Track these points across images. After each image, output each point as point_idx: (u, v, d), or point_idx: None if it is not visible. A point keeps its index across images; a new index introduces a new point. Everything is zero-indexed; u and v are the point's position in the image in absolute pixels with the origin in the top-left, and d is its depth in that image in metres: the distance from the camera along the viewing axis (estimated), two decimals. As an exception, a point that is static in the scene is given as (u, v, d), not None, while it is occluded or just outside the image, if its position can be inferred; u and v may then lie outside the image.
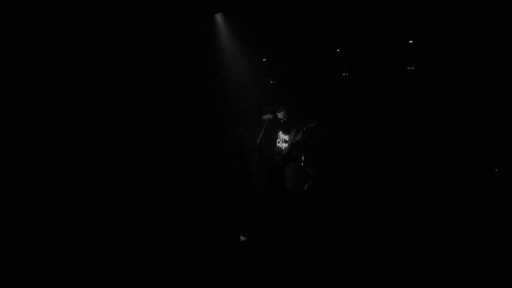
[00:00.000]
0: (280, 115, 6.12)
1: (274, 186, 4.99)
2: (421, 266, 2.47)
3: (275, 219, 2.73)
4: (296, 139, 5.91)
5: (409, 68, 6.77)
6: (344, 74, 8.02)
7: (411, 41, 6.38)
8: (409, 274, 2.44)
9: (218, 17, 6.73)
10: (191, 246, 2.81)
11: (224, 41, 6.85)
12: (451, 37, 5.62)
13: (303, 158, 7.90)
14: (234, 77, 7.05)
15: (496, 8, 5.03)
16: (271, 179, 5.25)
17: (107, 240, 3.30)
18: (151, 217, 3.76)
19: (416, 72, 6.20)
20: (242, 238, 2.81)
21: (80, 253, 3.16)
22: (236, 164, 4.88)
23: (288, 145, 6.05)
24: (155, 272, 2.80)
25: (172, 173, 5.06)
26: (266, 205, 2.84)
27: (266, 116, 6.00)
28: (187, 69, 6.29)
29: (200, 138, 6.27)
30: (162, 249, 2.91)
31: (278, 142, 6.23)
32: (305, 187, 7.59)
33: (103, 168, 4.95)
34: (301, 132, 5.90)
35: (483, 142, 5.34)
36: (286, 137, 6.17)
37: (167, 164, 5.40)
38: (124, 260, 3.02)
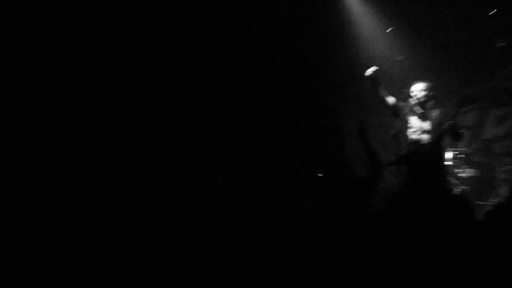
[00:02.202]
0: (415, 95, 5.57)
1: (415, 190, 4.78)
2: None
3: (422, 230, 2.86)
4: (442, 128, 5.36)
5: None
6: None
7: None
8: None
9: None
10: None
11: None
12: None
13: (452, 156, 7.39)
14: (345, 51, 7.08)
15: None
16: (411, 181, 5.10)
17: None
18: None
19: None
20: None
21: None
22: (363, 159, 4.71)
23: (430, 138, 5.47)
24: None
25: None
26: (407, 212, 3.01)
27: (402, 103, 5.64)
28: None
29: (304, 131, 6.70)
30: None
31: (413, 133, 5.64)
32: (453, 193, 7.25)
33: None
34: (451, 118, 5.37)
35: None
36: (426, 125, 5.57)
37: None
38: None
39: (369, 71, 5.49)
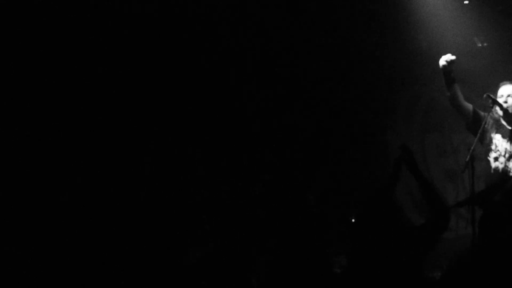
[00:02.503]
0: (504, 102, 5.15)
1: (499, 246, 4.30)
2: None
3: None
4: None
5: None
6: None
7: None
8: None
9: None
10: None
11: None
12: None
13: None
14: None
15: None
16: (492, 231, 4.49)
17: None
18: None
19: None
20: None
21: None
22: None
23: None
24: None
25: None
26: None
27: (482, 113, 5.28)
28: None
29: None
30: None
31: (497, 159, 5.21)
32: None
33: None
34: None
35: None
36: None
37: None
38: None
39: (444, 59, 5.08)
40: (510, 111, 5.06)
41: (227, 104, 7.40)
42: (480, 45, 7.10)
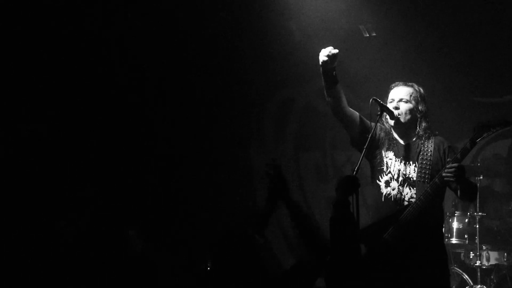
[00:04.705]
0: (396, 108, 5.25)
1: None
2: None
3: None
4: (443, 174, 4.95)
5: None
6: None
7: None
8: None
9: None
10: None
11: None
12: None
13: (459, 226, 7.71)
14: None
15: None
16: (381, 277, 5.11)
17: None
18: None
19: None
20: None
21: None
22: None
23: (418, 193, 5.13)
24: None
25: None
26: None
27: (368, 123, 5.34)
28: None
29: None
30: None
31: (387, 184, 5.20)
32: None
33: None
34: (459, 156, 5.06)
35: None
36: (411, 170, 5.21)
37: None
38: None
39: (324, 54, 4.90)
40: (402, 120, 4.96)
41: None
42: (367, 35, 7.16)
